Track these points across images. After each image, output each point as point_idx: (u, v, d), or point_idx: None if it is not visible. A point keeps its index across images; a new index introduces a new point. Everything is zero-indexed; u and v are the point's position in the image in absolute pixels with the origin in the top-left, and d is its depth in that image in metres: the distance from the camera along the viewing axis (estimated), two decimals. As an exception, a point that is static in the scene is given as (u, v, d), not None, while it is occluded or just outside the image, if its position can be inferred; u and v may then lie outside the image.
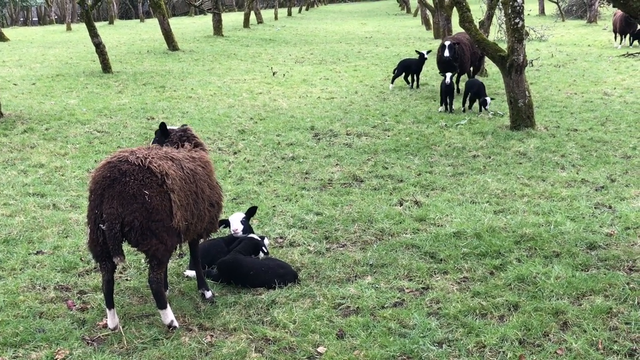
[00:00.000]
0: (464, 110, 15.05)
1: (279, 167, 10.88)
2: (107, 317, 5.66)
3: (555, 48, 26.58)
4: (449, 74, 14.90)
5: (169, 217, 5.41)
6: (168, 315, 5.64)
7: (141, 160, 5.36)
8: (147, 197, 5.25)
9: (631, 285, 6.18)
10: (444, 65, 16.39)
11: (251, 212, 7.31)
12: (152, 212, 5.29)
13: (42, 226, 8.05)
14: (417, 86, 18.46)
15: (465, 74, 18.12)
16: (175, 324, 5.65)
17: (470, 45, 16.82)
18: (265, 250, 7.03)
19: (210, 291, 6.28)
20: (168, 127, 6.40)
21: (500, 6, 18.85)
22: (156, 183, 5.32)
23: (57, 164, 10.83)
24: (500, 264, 6.82)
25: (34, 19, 72.22)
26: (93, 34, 20.70)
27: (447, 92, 15.07)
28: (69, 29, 44.27)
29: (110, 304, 5.58)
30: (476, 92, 14.94)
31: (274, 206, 8.88)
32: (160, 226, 5.36)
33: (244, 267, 6.50)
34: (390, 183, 9.92)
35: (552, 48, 26.54)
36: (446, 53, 16.12)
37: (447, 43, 16.23)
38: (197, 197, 5.76)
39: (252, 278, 6.46)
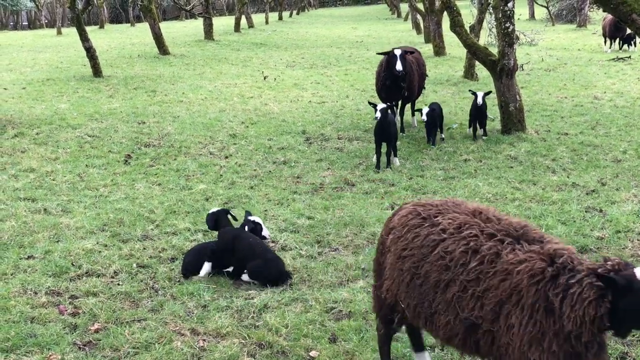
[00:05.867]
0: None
1: (270, 171, 10.87)
2: None
3: (546, 52, 26.68)
4: (380, 105, 10.63)
5: None
6: None
7: None
8: None
9: (622, 288, 6.20)
10: (393, 81, 12.54)
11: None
12: None
13: (33, 231, 8.02)
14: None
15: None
16: None
17: (418, 63, 13.66)
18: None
19: None
20: None
21: (491, 10, 18.94)
22: None
23: (48, 169, 10.80)
24: (492, 268, 6.82)
25: (24, 23, 71.96)
26: (84, 38, 20.64)
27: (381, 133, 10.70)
28: (59, 33, 44.17)
29: None
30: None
31: (265, 210, 8.87)
32: None
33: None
34: (382, 187, 9.93)
35: (543, 52, 26.64)
36: (398, 66, 12.09)
37: (397, 52, 12.22)
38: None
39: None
